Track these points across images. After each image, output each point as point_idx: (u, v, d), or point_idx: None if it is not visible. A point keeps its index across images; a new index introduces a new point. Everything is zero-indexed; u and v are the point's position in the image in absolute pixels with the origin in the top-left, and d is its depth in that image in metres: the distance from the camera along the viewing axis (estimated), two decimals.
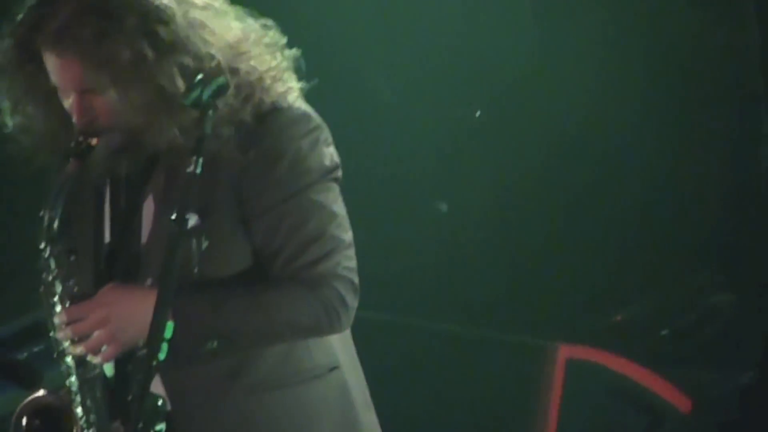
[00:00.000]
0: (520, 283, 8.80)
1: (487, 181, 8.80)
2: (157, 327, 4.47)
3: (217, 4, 4.86)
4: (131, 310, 4.67)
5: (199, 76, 4.54)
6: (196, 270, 4.76)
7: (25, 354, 6.95)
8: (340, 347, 4.92)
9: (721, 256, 8.64)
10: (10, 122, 4.83)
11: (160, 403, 4.61)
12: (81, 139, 4.72)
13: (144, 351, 4.53)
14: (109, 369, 4.79)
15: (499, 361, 8.09)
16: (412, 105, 8.81)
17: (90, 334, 4.70)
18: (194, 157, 4.48)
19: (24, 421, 4.78)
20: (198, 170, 4.47)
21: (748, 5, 8.56)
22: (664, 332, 8.49)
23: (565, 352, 7.80)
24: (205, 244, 4.79)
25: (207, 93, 4.51)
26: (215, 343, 4.73)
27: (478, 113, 8.80)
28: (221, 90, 4.53)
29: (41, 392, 4.84)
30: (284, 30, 4.93)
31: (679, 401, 7.86)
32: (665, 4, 8.52)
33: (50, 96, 4.81)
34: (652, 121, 8.55)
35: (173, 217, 4.52)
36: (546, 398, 7.78)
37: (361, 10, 8.74)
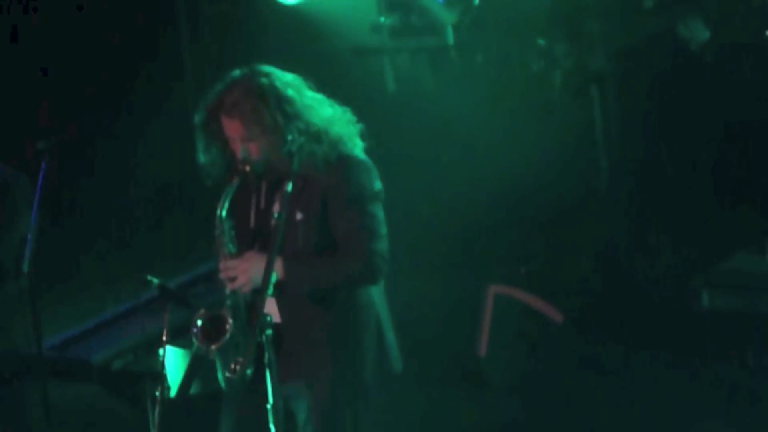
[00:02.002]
0: (469, 250, 8.73)
1: (451, 189, 8.73)
2: (267, 275, 4.58)
3: (319, 97, 4.89)
4: (258, 266, 4.70)
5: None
6: (300, 243, 4.81)
7: (199, 289, 6.81)
8: (376, 291, 4.96)
9: (583, 231, 8.50)
10: (202, 158, 4.93)
11: (268, 318, 4.54)
12: (240, 166, 4.83)
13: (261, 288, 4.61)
14: (250, 297, 4.85)
15: (456, 295, 8.09)
16: (414, 147, 8.83)
17: (236, 277, 4.80)
18: (288, 182, 4.62)
19: (199, 323, 4.84)
20: (289, 189, 4.60)
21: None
22: (549, 277, 8.37)
23: (494, 289, 7.67)
24: (305, 229, 4.83)
25: (294, 147, 4.67)
26: (306, 289, 4.81)
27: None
28: (299, 150, 4.66)
29: (208, 308, 4.88)
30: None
31: (555, 315, 7.70)
32: (537, 104, 8.53)
33: (224, 143, 4.89)
34: (550, 162, 8.50)
35: (276, 214, 4.76)
36: (483, 318, 7.58)
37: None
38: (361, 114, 4.98)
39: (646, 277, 8.13)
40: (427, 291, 8.12)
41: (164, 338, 5.14)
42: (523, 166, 8.42)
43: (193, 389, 6.33)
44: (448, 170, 8.79)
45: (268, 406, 4.57)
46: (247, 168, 4.85)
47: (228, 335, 4.82)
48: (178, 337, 5.44)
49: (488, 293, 7.71)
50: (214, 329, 4.85)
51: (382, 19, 8.84)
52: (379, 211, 4.88)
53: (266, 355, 4.57)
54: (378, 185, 4.91)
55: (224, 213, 4.86)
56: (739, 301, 7.35)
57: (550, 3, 8.43)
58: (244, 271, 4.81)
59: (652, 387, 7.03)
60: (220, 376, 4.93)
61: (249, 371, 4.68)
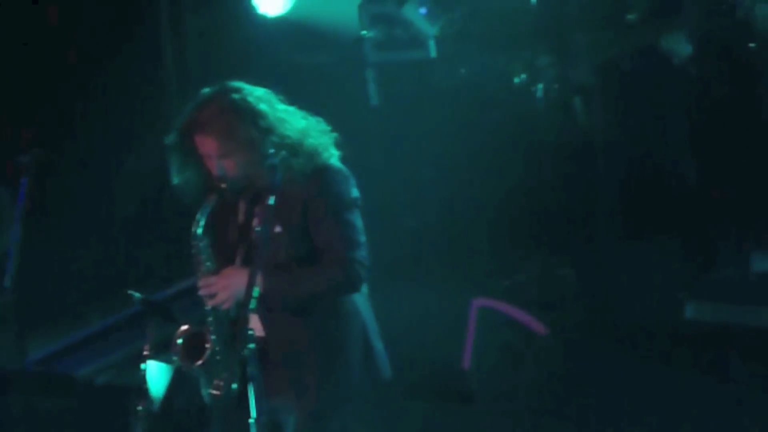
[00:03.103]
0: (453, 263, 8.74)
1: (435, 201, 8.81)
2: (249, 290, 4.54)
3: (291, 109, 4.93)
4: (238, 282, 4.73)
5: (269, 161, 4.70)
6: (282, 256, 4.83)
7: (184, 302, 6.37)
8: (360, 300, 4.98)
9: (566, 244, 8.49)
10: (176, 177, 4.94)
11: (251, 332, 4.52)
12: (217, 183, 4.86)
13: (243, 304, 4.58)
14: (233, 312, 4.87)
15: (440, 308, 8.14)
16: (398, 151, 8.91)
17: (215, 293, 4.81)
18: (269, 195, 4.62)
19: (180, 341, 4.85)
20: (272, 203, 4.60)
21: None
22: (533, 290, 8.37)
23: (477, 302, 7.67)
24: (285, 241, 4.85)
25: (276, 161, 4.68)
26: (289, 300, 4.82)
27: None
28: (281, 162, 4.70)
29: (188, 326, 4.88)
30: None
31: (539, 328, 7.73)
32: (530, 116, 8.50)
33: (199, 161, 4.91)
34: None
35: (258, 228, 4.72)
36: (467, 331, 7.58)
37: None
38: (344, 127, 5.00)
39: (630, 289, 8.14)
40: (411, 304, 8.14)
41: (146, 352, 5.16)
42: (507, 178, 8.45)
43: (177, 403, 6.22)
44: (432, 183, 8.82)
45: (251, 421, 4.57)
46: (224, 185, 4.86)
47: (209, 352, 4.83)
48: (162, 351, 5.39)
49: (472, 306, 7.72)
50: (195, 346, 4.85)
51: (365, 32, 8.93)
52: (356, 219, 4.91)
53: (249, 370, 4.58)
54: (355, 193, 4.93)
55: (200, 230, 4.85)
56: (722, 314, 7.39)
57: (533, 15, 8.43)
58: (225, 287, 4.82)
59: (636, 399, 7.04)
60: (204, 392, 4.92)
61: (234, 386, 4.63)
